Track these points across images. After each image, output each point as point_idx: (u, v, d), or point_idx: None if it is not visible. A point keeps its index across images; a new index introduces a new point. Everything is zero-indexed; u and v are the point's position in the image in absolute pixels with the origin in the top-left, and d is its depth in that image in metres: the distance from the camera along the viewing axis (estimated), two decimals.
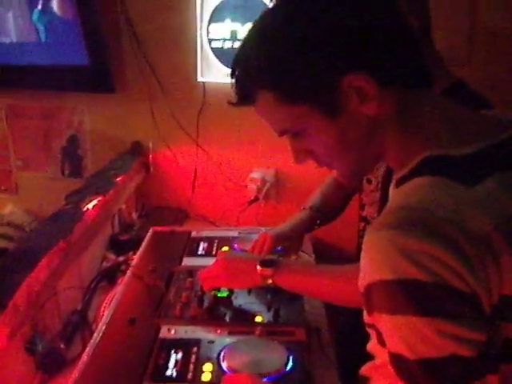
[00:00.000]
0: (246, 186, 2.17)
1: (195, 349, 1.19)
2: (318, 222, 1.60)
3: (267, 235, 1.49)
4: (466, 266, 0.66)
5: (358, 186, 1.59)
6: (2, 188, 2.73)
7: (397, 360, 0.73)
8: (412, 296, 0.68)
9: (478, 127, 0.82)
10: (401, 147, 0.83)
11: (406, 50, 0.80)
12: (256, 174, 2.17)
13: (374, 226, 0.73)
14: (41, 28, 2.23)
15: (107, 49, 2.20)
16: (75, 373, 1.12)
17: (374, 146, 0.85)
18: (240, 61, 0.85)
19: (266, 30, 0.83)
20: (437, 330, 0.67)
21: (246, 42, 0.85)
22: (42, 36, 2.25)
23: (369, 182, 1.47)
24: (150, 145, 2.31)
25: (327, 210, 1.62)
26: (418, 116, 0.82)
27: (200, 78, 2.15)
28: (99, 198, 1.70)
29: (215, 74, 2.12)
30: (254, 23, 0.84)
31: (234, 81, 0.86)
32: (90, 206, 1.64)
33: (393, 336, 0.73)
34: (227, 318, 1.32)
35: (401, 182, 0.81)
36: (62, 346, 1.35)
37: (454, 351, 0.68)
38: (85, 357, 1.17)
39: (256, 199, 2.16)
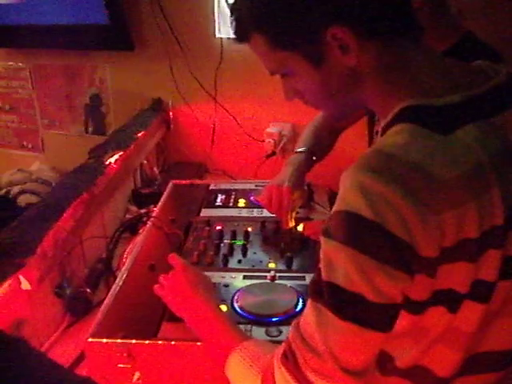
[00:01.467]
0: (263, 141, 2.21)
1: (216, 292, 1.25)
2: (314, 158, 1.59)
3: (282, 188, 1.48)
4: (417, 216, 0.72)
5: (346, 125, 1.63)
6: (30, 146, 2.82)
7: (315, 274, 0.81)
8: (351, 227, 0.74)
9: (461, 78, 0.85)
10: (384, 97, 0.87)
11: (389, 3, 0.84)
12: (273, 129, 2.21)
13: (350, 167, 0.78)
14: None
15: (126, 7, 2.24)
16: (99, 314, 1.18)
17: (356, 95, 0.89)
18: (237, 3, 0.92)
19: None
20: (359, 265, 0.73)
21: None
22: None
23: (377, 134, 1.49)
24: (170, 102, 2.36)
25: (320, 149, 1.61)
26: (401, 67, 0.85)
27: (218, 34, 2.17)
28: (121, 153, 1.77)
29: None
30: None
31: (231, 20, 0.93)
32: (111, 160, 1.70)
33: (322, 257, 0.79)
34: (242, 265, 1.38)
35: (384, 130, 0.85)
36: (89, 290, 1.44)
37: (362, 292, 0.74)
38: (108, 299, 1.24)
39: (273, 153, 2.20)
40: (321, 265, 0.79)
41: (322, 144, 1.63)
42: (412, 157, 0.74)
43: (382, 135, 0.86)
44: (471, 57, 0.92)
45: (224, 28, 2.15)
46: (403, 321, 0.90)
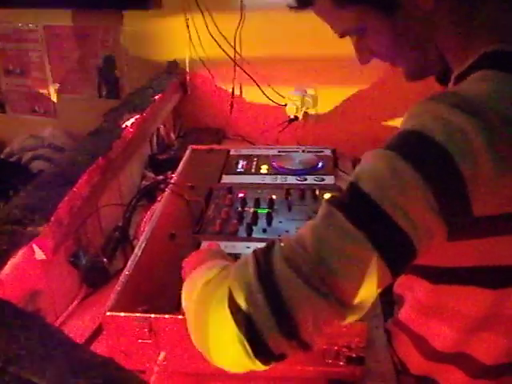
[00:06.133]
0: (286, 105, 2.12)
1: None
2: None
3: None
4: (491, 166, 0.65)
5: None
6: (41, 111, 2.74)
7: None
8: (416, 145, 0.67)
9: None
10: (461, 44, 0.79)
11: None
12: (296, 93, 2.11)
13: (418, 101, 0.71)
14: None
15: None
16: (117, 286, 1.13)
17: (434, 43, 0.82)
18: None
19: None
20: (403, 179, 0.65)
21: None
22: None
23: None
24: (187, 64, 2.26)
25: None
26: (479, 10, 0.77)
27: None
28: (137, 116, 1.68)
29: None
30: None
31: None
32: (128, 123, 1.62)
33: (359, 166, 0.72)
34: (267, 234, 1.30)
35: (459, 78, 0.77)
36: (105, 260, 1.38)
37: (389, 209, 0.65)
38: (127, 270, 1.18)
39: (295, 118, 2.11)
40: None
41: None
42: (500, 106, 0.66)
43: (456, 83, 0.78)
44: None
45: None
46: (421, 291, 0.87)
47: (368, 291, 0.68)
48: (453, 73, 0.83)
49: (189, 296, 0.81)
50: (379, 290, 0.69)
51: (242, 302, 0.66)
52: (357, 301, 0.67)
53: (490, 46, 0.75)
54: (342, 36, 0.89)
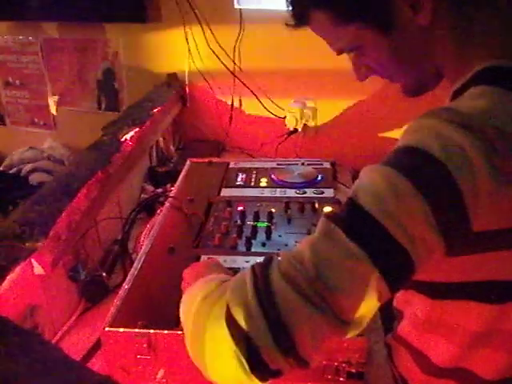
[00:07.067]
0: (285, 117, 2.12)
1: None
2: None
3: None
4: (490, 181, 0.64)
5: None
6: (41, 123, 2.75)
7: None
8: (413, 160, 0.67)
9: None
10: (457, 59, 0.80)
11: None
12: (295, 105, 2.11)
13: (416, 119, 0.71)
14: None
15: None
16: (117, 300, 1.12)
17: (431, 59, 0.83)
18: None
19: None
20: (401, 195, 0.65)
21: None
22: None
23: None
24: (186, 76, 2.27)
25: None
26: (476, 25, 0.78)
27: (236, 5, 2.06)
28: (136, 129, 1.69)
29: (253, 0, 2.04)
30: None
31: (288, 2, 0.87)
32: (127, 136, 1.62)
33: (357, 181, 0.71)
34: (266, 248, 1.30)
35: (455, 94, 0.77)
36: (104, 274, 1.37)
37: (387, 224, 0.64)
38: (126, 285, 1.17)
39: (295, 130, 2.12)
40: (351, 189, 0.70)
41: None
42: (497, 122, 0.66)
43: (453, 99, 0.78)
44: None
45: None
46: (421, 306, 0.86)
47: (367, 307, 0.67)
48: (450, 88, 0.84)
49: (187, 310, 0.80)
50: (378, 306, 0.69)
51: (239, 318, 0.66)
52: (355, 316, 0.67)
53: (487, 61, 0.75)
54: (339, 53, 0.89)
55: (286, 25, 0.89)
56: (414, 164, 0.66)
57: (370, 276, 0.64)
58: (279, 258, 0.70)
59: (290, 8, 0.87)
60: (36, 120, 2.76)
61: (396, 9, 0.77)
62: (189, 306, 0.79)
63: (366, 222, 0.65)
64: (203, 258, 1.25)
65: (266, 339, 0.64)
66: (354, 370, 1.02)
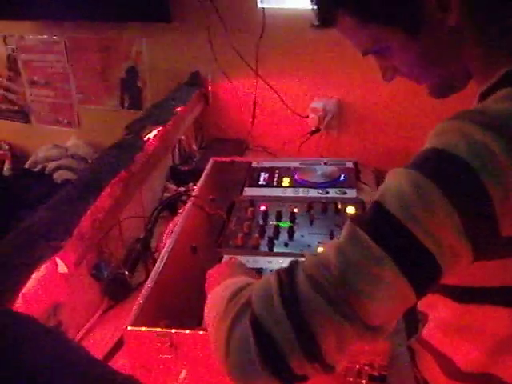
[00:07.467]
0: (307, 117, 2.11)
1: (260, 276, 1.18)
2: None
3: None
4: None
5: None
6: (65, 121, 2.77)
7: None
8: (440, 163, 0.65)
9: None
10: (485, 61, 0.78)
11: None
12: (317, 104, 2.10)
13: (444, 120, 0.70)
14: None
15: None
16: (139, 299, 1.13)
17: (458, 61, 0.81)
18: None
19: None
20: (429, 200, 0.63)
21: None
22: None
23: None
24: (209, 75, 2.27)
25: None
26: (503, 27, 0.76)
27: (260, 4, 2.05)
28: (159, 128, 1.69)
29: (275, 0, 2.03)
30: None
31: (314, 4, 0.86)
32: (150, 136, 1.63)
33: (383, 185, 0.70)
34: (289, 248, 1.30)
35: (483, 96, 0.76)
36: (127, 272, 1.38)
37: (413, 228, 0.63)
38: (148, 284, 1.18)
39: (317, 130, 2.10)
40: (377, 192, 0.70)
41: None
42: None
43: (480, 100, 0.77)
44: None
45: None
46: (446, 310, 0.85)
47: (393, 312, 0.67)
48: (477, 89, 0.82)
49: (212, 313, 0.80)
50: (403, 311, 0.68)
51: (264, 323, 0.65)
52: (381, 322, 0.66)
53: None
54: (365, 54, 0.87)
55: (312, 26, 0.88)
56: (439, 166, 0.65)
57: (396, 281, 0.63)
58: (304, 262, 0.69)
59: (316, 9, 0.86)
60: (60, 118, 2.78)
61: (423, 10, 0.76)
62: (214, 309, 0.78)
63: (392, 226, 0.64)
64: (225, 257, 1.25)
65: (292, 345, 0.64)
66: (376, 373, 1.01)
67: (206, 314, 0.85)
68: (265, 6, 2.05)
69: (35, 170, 2.68)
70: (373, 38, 0.83)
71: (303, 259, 0.71)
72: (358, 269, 0.64)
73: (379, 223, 0.66)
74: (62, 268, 1.14)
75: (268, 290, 0.68)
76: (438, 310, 0.94)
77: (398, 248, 0.64)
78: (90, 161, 2.56)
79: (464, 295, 0.84)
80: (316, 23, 0.88)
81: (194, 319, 1.05)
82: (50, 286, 1.11)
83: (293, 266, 0.70)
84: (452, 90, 0.89)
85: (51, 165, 2.64)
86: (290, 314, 0.64)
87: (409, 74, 0.87)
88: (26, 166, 2.73)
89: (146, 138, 1.61)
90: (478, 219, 0.64)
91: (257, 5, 2.06)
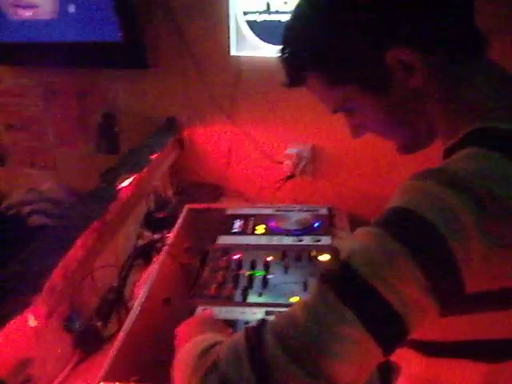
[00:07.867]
0: (282, 163, 2.13)
1: (231, 330, 1.17)
2: None
3: None
4: (482, 246, 0.64)
5: None
6: (41, 165, 2.76)
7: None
8: (403, 222, 0.66)
9: None
10: (449, 119, 0.81)
11: (449, 16, 0.78)
12: (292, 150, 2.13)
13: (407, 178, 0.71)
14: (71, 4, 2.21)
15: (140, 25, 2.16)
16: (112, 351, 1.12)
17: (424, 119, 0.84)
18: (286, 44, 0.87)
19: (308, 14, 0.84)
20: (393, 257, 0.64)
21: (291, 23, 0.87)
22: (73, 12, 2.22)
23: None
24: (185, 121, 2.29)
25: None
26: (468, 86, 0.79)
27: (233, 52, 2.09)
28: (134, 176, 1.70)
29: (249, 48, 2.07)
30: (297, 4, 0.86)
31: (283, 63, 0.89)
32: (124, 184, 1.63)
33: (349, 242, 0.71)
34: (263, 298, 1.30)
35: (447, 154, 0.78)
36: (99, 323, 1.36)
37: (378, 286, 0.64)
38: (121, 336, 1.17)
39: (292, 176, 2.12)
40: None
41: None
42: (487, 184, 0.66)
43: (445, 157, 0.79)
44: None
45: (240, 45, 2.07)
46: (416, 363, 0.85)
47: (360, 371, 0.67)
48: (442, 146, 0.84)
49: (180, 370, 0.80)
50: (371, 369, 0.68)
51: (231, 382, 0.65)
52: (349, 380, 0.66)
53: (478, 123, 0.76)
54: (334, 112, 0.90)
55: (283, 85, 0.91)
56: (405, 226, 0.66)
57: (364, 341, 0.64)
58: (273, 320, 0.70)
59: (285, 69, 0.89)
60: (36, 162, 2.77)
61: (388, 71, 0.79)
62: (182, 367, 0.78)
63: (357, 284, 0.65)
64: (199, 309, 1.24)
65: None
66: None
67: (174, 371, 0.84)
68: (238, 53, 2.09)
69: (9, 213, 2.65)
70: (340, 99, 0.86)
71: (272, 317, 0.71)
72: (325, 327, 0.65)
73: (346, 282, 0.67)
74: (33, 322, 1.12)
75: (236, 350, 0.68)
76: (408, 363, 0.94)
77: (365, 308, 0.64)
78: (65, 205, 2.54)
79: (432, 350, 0.84)
80: (287, 83, 0.90)
81: (167, 374, 1.04)
82: (20, 341, 1.09)
83: (260, 324, 0.70)
84: (418, 147, 0.91)
85: (26, 209, 2.61)
86: (256, 373, 0.64)
87: (377, 130, 0.90)
88: (0, 210, 2.70)
89: (120, 187, 1.61)
90: (443, 278, 0.65)
91: (230, 52, 2.09)
